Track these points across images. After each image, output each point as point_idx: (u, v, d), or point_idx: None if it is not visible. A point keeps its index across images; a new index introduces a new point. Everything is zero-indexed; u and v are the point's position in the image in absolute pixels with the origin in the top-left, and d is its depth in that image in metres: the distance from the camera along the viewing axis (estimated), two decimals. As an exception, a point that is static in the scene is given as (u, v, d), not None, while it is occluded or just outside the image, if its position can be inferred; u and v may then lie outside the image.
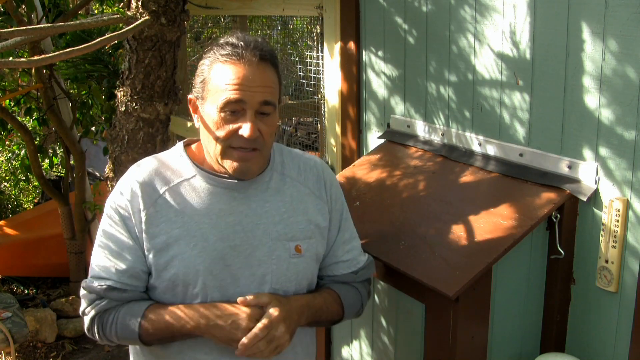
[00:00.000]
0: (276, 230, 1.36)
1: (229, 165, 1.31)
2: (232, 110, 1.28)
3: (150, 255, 1.32)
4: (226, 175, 1.36)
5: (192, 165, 1.38)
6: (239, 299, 1.30)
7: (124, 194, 1.35)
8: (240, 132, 1.28)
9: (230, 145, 1.30)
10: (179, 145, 1.43)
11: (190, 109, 1.39)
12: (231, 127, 1.29)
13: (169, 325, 1.30)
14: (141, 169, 1.38)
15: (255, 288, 1.33)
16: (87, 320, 1.39)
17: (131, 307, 1.34)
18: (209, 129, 1.32)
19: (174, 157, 1.40)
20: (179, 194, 1.35)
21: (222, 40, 1.35)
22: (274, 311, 1.28)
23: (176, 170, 1.38)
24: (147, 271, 1.34)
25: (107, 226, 1.35)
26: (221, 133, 1.29)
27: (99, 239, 1.36)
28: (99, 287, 1.34)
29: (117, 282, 1.33)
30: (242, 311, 1.28)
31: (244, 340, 1.25)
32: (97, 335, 1.38)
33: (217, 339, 1.29)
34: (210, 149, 1.34)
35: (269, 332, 1.26)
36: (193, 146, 1.43)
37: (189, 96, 1.39)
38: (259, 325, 1.27)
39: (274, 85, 1.32)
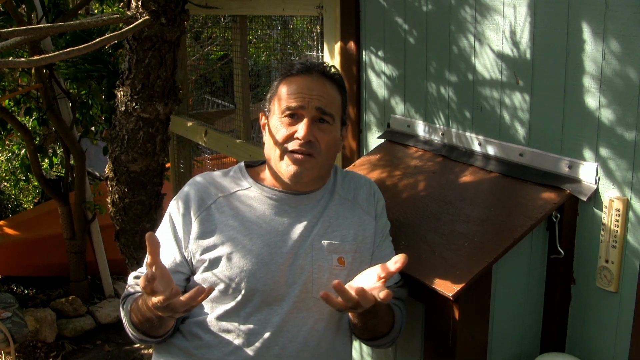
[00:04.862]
0: (322, 242, 1.40)
1: (285, 169, 1.40)
2: (292, 114, 1.39)
3: (198, 255, 1.38)
4: (281, 190, 1.44)
5: (249, 179, 1.48)
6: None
7: (179, 199, 1.45)
8: (296, 134, 1.38)
9: (287, 149, 1.38)
10: (240, 163, 1.54)
11: (260, 126, 1.51)
12: (289, 130, 1.39)
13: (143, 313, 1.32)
14: (199, 177, 1.49)
15: (296, 295, 1.37)
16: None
17: (134, 296, 1.40)
18: (272, 136, 1.42)
19: (233, 172, 1.51)
20: (232, 201, 1.44)
21: (294, 60, 1.50)
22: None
23: (233, 183, 1.48)
24: (184, 272, 1.41)
25: (161, 227, 1.47)
26: (280, 136, 1.39)
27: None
28: (132, 275, 1.46)
29: (144, 273, 1.41)
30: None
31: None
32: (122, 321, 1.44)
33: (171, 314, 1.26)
34: (272, 158, 1.43)
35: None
36: (256, 167, 1.54)
37: (260, 112, 1.50)
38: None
39: (333, 100, 1.43)
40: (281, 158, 1.40)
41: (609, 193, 1.47)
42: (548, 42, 1.57)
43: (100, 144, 5.06)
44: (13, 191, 6.05)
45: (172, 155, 3.81)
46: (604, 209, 1.48)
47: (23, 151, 4.96)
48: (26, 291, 4.51)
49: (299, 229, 1.41)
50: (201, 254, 1.38)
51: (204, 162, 4.36)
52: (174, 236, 1.42)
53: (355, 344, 1.88)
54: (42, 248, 4.49)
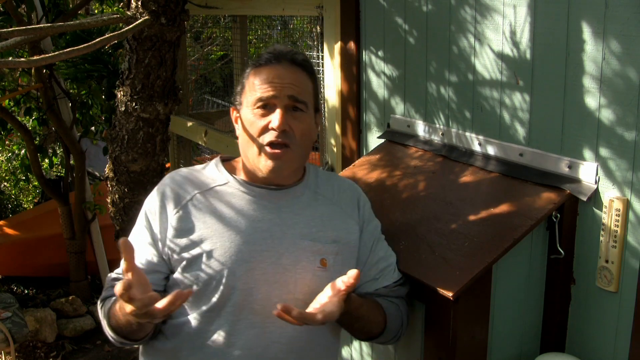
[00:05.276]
0: (303, 241, 1.37)
1: (263, 165, 1.36)
2: (264, 105, 1.36)
3: (176, 254, 1.35)
4: (259, 184, 1.41)
5: (226, 174, 1.44)
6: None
7: (155, 197, 1.42)
8: (271, 125, 1.34)
9: (263, 142, 1.35)
10: (216, 158, 1.50)
11: (232, 120, 1.47)
12: (263, 121, 1.35)
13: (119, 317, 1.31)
14: (175, 174, 1.45)
15: (277, 295, 1.33)
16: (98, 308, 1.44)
17: (113, 299, 1.37)
18: (246, 130, 1.38)
19: (209, 167, 1.47)
20: (210, 197, 1.40)
21: (262, 52, 1.46)
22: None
23: (210, 177, 1.44)
24: (162, 271, 1.38)
25: (137, 225, 1.43)
26: (255, 129, 1.36)
27: (131, 235, 1.45)
28: (110, 276, 1.43)
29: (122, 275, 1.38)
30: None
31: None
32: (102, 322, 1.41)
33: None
34: (249, 153, 1.39)
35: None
36: (232, 161, 1.50)
37: (231, 107, 1.47)
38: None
39: (305, 87, 1.39)
40: (258, 153, 1.36)
41: (609, 193, 1.47)
42: (548, 42, 1.57)
43: (100, 144, 5.07)
44: (13, 191, 6.06)
45: (172, 155, 3.81)
46: (604, 209, 1.48)
47: (23, 151, 4.97)
48: (26, 291, 4.51)
49: (279, 226, 1.37)
50: (179, 253, 1.35)
51: (204, 162, 4.35)
52: (150, 235, 1.38)
53: (356, 344, 1.88)
54: (42, 248, 4.49)
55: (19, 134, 4.32)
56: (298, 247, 1.36)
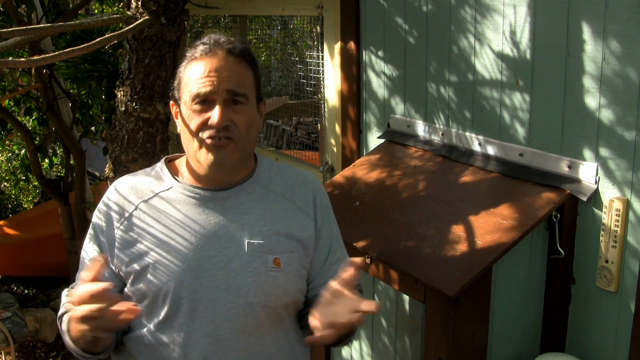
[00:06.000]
0: (253, 242, 1.32)
1: (204, 159, 1.30)
2: (202, 100, 1.29)
3: (124, 267, 1.32)
4: (203, 186, 1.35)
5: (170, 178, 1.38)
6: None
7: (100, 210, 1.38)
8: (210, 121, 1.28)
9: (203, 138, 1.29)
10: (161, 160, 1.44)
11: (172, 115, 1.40)
12: (202, 118, 1.29)
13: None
14: (118, 185, 1.40)
15: (230, 301, 1.29)
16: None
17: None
18: (187, 126, 1.32)
19: (154, 172, 1.41)
20: (154, 205, 1.35)
21: (197, 42, 1.36)
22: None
23: (153, 184, 1.38)
24: (115, 285, 1.33)
25: (86, 239, 1.39)
26: (194, 125, 1.30)
27: (82, 250, 1.40)
28: (65, 292, 1.38)
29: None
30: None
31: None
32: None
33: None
34: (190, 149, 1.33)
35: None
36: (176, 161, 1.43)
37: (171, 102, 1.40)
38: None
39: (244, 78, 1.33)
40: (199, 147, 1.30)
41: (609, 193, 1.47)
42: (548, 42, 1.57)
43: (100, 144, 5.06)
44: (13, 191, 6.06)
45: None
46: (604, 209, 1.48)
47: (23, 151, 4.96)
48: (26, 291, 4.51)
49: (227, 228, 1.32)
50: (127, 267, 1.31)
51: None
52: (99, 249, 1.35)
53: (355, 344, 1.88)
54: (42, 248, 4.49)
55: (19, 134, 4.32)
56: (248, 248, 1.31)
